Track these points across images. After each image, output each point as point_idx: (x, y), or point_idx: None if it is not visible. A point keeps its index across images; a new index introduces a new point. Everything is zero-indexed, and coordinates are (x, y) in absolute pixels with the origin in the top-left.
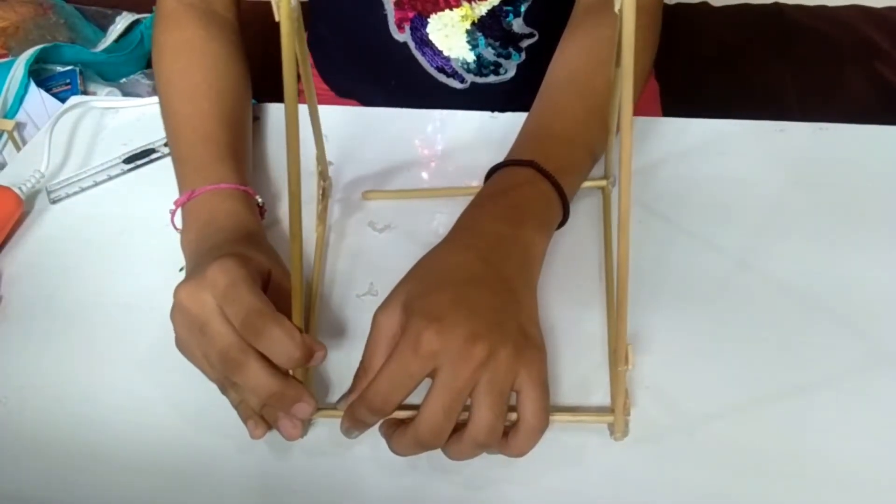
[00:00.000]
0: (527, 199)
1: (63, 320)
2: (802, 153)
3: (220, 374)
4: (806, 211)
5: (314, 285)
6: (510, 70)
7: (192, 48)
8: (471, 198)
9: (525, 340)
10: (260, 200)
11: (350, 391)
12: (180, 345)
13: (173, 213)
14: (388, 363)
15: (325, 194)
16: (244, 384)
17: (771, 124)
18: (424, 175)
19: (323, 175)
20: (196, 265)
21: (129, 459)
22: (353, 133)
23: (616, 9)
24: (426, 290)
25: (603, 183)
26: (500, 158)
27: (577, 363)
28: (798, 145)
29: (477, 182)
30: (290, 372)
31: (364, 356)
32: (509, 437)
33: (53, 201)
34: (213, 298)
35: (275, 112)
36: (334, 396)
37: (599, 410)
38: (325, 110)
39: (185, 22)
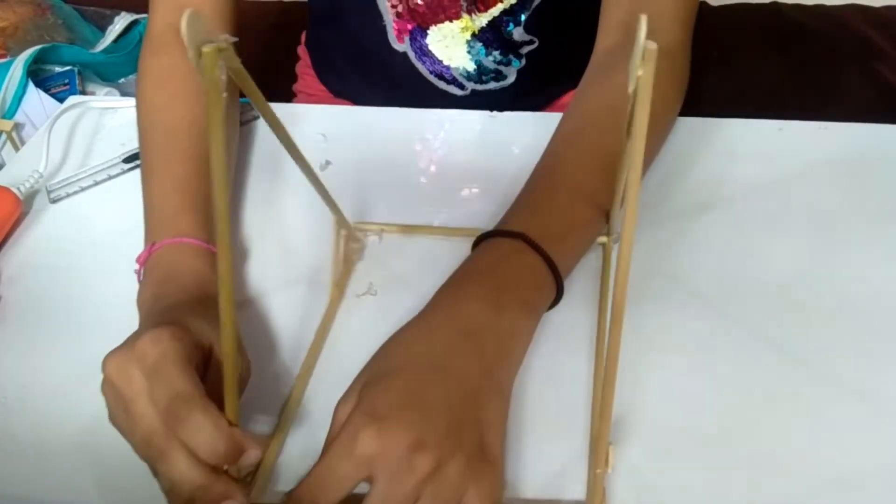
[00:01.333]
0: (513, 278)
1: (62, 320)
2: (801, 152)
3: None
4: (804, 210)
5: (305, 372)
6: (510, 76)
7: (176, 78)
8: (466, 238)
9: (481, 453)
10: None
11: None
12: (111, 419)
13: (138, 272)
14: (320, 461)
15: (347, 258)
16: (166, 475)
17: (769, 123)
18: (422, 177)
19: (353, 237)
20: (139, 329)
21: (128, 459)
22: (350, 132)
23: (630, 90)
24: (378, 379)
25: (604, 239)
26: (498, 158)
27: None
28: (797, 144)
29: (470, 189)
30: None
31: (323, 448)
32: None
33: (53, 201)
34: (140, 374)
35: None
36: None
37: None
38: (322, 110)
39: (172, 47)
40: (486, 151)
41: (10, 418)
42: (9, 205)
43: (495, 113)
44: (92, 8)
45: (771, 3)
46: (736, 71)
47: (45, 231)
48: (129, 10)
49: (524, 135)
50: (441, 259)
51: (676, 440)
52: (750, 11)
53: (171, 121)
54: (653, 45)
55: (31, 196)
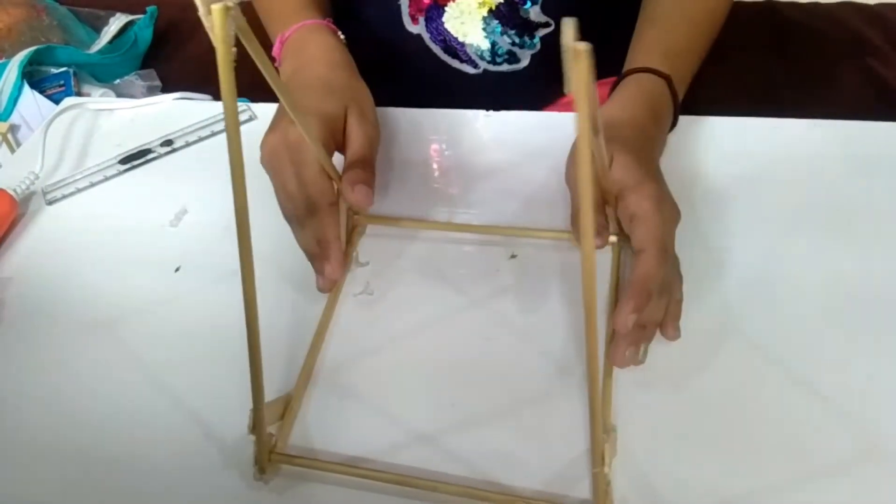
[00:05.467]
0: (661, 105)
1: (59, 322)
2: (796, 150)
3: None
4: (800, 207)
5: (315, 349)
6: (524, 60)
7: None
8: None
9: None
10: (342, 36)
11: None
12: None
13: (277, 62)
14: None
15: (353, 231)
16: (297, 240)
17: (765, 121)
18: (418, 176)
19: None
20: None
21: (127, 461)
22: None
23: (566, 90)
24: (639, 184)
25: (614, 238)
26: (496, 157)
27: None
28: (792, 142)
29: (467, 187)
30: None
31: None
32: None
33: (49, 202)
34: (288, 160)
35: (272, 111)
36: (332, 412)
37: None
38: None
39: None
40: (481, 149)
41: (7, 420)
42: (5, 207)
43: (491, 112)
44: (87, 9)
45: (766, 1)
46: (730, 69)
47: (41, 233)
48: (124, 10)
49: (521, 133)
50: (437, 259)
51: (680, 436)
52: (744, 9)
53: None
54: (583, 46)
55: (27, 198)
